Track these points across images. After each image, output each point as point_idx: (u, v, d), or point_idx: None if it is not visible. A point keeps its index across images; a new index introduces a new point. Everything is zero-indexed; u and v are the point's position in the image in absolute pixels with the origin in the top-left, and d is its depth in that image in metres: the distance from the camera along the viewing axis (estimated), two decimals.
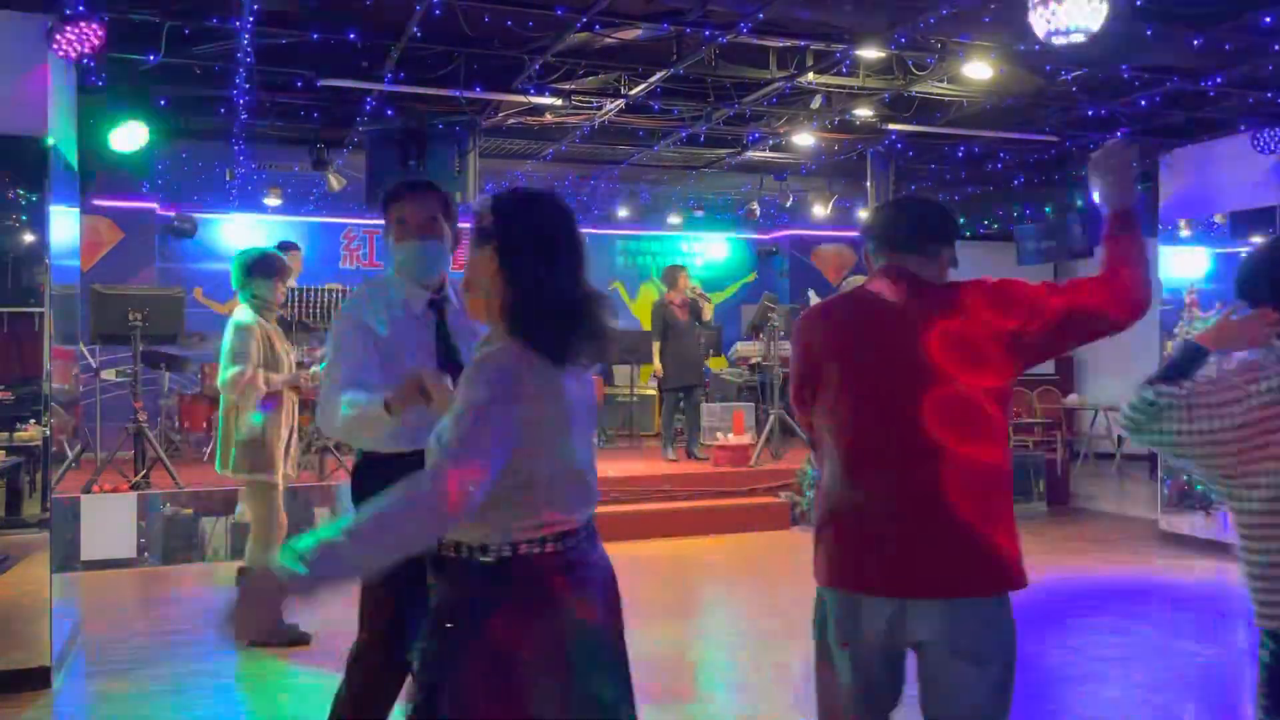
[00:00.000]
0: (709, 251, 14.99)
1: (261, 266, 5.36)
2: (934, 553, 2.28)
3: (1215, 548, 7.78)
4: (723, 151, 10.29)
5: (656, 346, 9.77)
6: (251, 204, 12.05)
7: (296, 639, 5.14)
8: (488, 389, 1.92)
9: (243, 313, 5.29)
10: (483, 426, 1.89)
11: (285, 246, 9.31)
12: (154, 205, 11.94)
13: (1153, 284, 2.39)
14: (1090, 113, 8.36)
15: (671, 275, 10.09)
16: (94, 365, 9.18)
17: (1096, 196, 2.43)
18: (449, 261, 3.11)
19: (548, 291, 1.99)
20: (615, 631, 2.13)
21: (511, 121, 8.68)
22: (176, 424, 9.96)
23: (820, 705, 2.53)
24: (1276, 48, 6.58)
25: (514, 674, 1.94)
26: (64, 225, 5.31)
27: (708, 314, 10.48)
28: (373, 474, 2.84)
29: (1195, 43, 6.47)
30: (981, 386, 2.33)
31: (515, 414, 1.92)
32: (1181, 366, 2.28)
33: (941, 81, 7.68)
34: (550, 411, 1.98)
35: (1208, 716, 4.63)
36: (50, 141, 4.92)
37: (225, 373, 5.16)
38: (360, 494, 2.89)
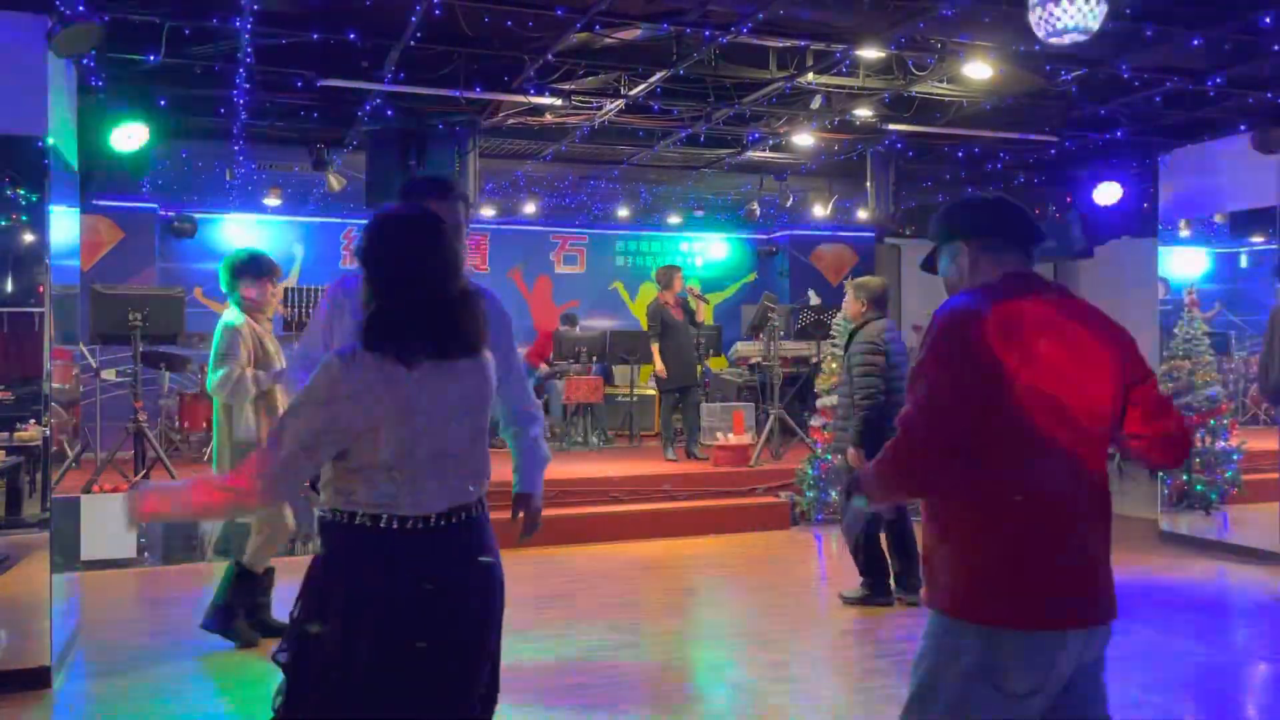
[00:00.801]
0: (709, 251, 14.99)
1: (248, 267, 5.36)
2: (1108, 571, 2.33)
3: (1215, 548, 7.79)
4: (723, 151, 10.28)
5: (655, 347, 9.78)
6: (251, 204, 12.04)
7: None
8: (304, 393, 2.26)
9: (231, 313, 5.29)
10: (288, 427, 2.24)
11: None
12: (154, 205, 11.94)
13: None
14: (1090, 113, 8.36)
15: (666, 276, 10.10)
16: (94, 365, 9.18)
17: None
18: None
19: (400, 302, 2.28)
20: (413, 622, 2.25)
21: (511, 121, 8.67)
22: (176, 424, 9.97)
23: None
24: (1276, 48, 6.58)
25: (322, 615, 2.27)
26: (64, 225, 5.30)
27: (701, 315, 10.49)
28: None
29: (1195, 43, 6.47)
30: (1114, 403, 2.34)
31: (325, 413, 2.22)
32: None
33: (941, 81, 7.67)
34: (377, 411, 2.23)
35: (1208, 716, 4.62)
36: (50, 141, 4.92)
37: (213, 374, 5.15)
38: None
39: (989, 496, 2.22)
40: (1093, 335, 2.31)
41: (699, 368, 10.54)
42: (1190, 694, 4.81)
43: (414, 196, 3.05)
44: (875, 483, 2.35)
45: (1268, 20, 6.02)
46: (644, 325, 10.37)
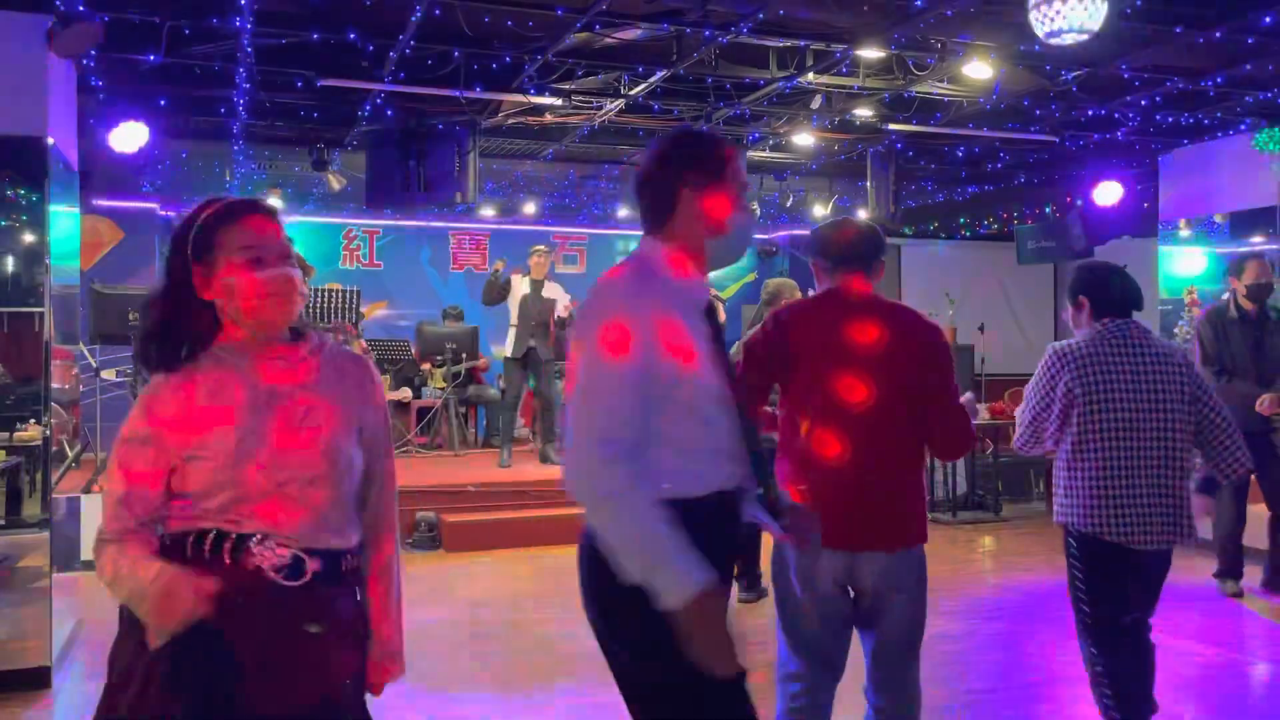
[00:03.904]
0: None
1: None
2: (890, 513, 2.96)
3: (1215, 547, 7.77)
4: None
5: None
6: None
7: None
8: None
9: None
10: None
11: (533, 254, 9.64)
12: (154, 205, 11.93)
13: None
14: (1090, 113, 8.36)
15: None
16: (94, 365, 9.17)
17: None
18: None
19: None
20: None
21: (511, 121, 8.67)
22: None
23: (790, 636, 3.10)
24: (1276, 48, 6.58)
25: None
26: (64, 225, 5.30)
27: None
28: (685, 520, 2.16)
29: (1195, 43, 6.47)
30: (897, 390, 2.96)
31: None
32: None
33: (941, 81, 7.67)
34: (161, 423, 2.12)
35: (1207, 716, 4.62)
36: (50, 141, 4.92)
37: None
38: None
39: (794, 452, 2.99)
40: (885, 340, 2.91)
41: None
42: (1191, 694, 4.80)
43: (722, 159, 2.35)
44: None
45: (1267, 20, 6.02)
46: None
